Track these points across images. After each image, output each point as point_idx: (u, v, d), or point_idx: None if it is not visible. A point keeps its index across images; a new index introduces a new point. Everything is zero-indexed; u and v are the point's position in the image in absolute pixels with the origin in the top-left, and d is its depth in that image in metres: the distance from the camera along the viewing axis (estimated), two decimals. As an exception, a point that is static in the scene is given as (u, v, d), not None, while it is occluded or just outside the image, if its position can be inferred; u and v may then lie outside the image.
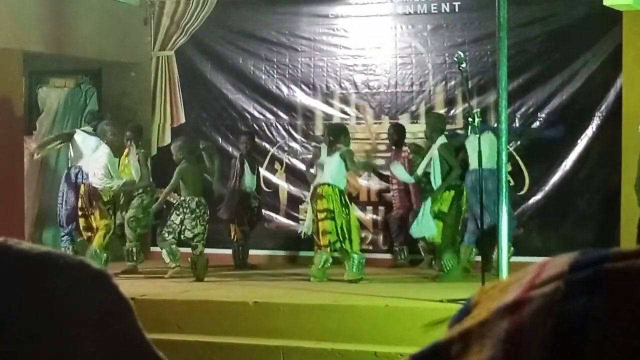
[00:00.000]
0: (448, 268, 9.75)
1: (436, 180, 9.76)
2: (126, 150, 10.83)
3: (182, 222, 10.00)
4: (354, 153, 10.07)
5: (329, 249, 9.69)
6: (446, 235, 9.79)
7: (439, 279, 9.68)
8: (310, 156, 11.14)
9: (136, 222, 10.73)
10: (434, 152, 9.83)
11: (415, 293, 8.32)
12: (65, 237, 10.92)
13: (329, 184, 9.70)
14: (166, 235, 10.02)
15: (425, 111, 11.12)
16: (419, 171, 10.11)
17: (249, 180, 10.95)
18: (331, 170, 9.73)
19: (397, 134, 10.82)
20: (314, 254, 9.86)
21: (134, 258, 10.76)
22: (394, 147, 10.89)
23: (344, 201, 9.70)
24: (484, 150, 8.85)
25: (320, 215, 9.70)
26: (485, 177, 9.12)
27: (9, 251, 0.82)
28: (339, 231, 9.63)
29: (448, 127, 10.50)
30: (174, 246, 9.98)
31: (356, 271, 9.60)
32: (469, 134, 9.62)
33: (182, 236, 10.02)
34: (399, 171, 10.51)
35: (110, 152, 10.37)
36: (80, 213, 10.48)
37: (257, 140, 11.56)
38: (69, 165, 11.05)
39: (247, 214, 10.97)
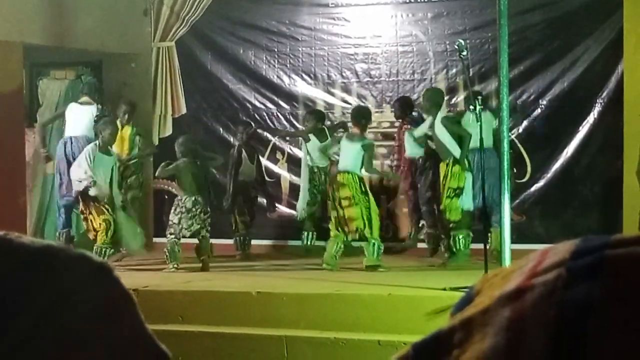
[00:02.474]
0: (459, 248, 9.62)
1: (454, 151, 9.60)
2: (122, 127, 10.88)
3: (180, 221, 10.01)
4: (374, 150, 10.02)
5: (356, 235, 9.56)
6: (465, 214, 9.64)
7: (448, 262, 9.60)
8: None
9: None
10: (437, 126, 9.75)
11: (418, 281, 8.31)
12: (61, 216, 10.89)
13: (348, 172, 9.63)
14: (168, 235, 10.03)
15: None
16: (418, 132, 10.03)
17: (247, 170, 10.94)
18: (351, 157, 9.66)
19: (402, 106, 10.66)
20: (328, 242, 9.73)
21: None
22: (400, 120, 10.73)
23: (363, 188, 9.62)
24: (483, 129, 8.75)
25: (344, 203, 9.57)
26: (488, 157, 9.11)
27: (9, 245, 0.81)
28: (363, 218, 9.57)
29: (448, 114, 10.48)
30: (176, 246, 9.91)
31: (376, 257, 9.44)
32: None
33: (181, 234, 10.01)
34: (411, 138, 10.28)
35: (95, 151, 10.13)
36: (82, 216, 10.39)
37: (258, 130, 11.57)
38: (63, 138, 10.96)
39: (246, 204, 10.96)
